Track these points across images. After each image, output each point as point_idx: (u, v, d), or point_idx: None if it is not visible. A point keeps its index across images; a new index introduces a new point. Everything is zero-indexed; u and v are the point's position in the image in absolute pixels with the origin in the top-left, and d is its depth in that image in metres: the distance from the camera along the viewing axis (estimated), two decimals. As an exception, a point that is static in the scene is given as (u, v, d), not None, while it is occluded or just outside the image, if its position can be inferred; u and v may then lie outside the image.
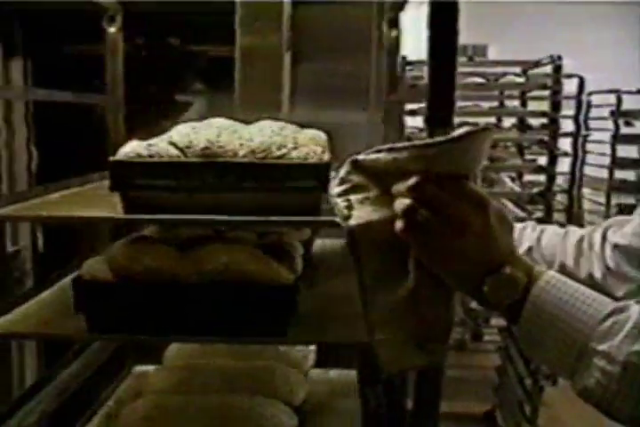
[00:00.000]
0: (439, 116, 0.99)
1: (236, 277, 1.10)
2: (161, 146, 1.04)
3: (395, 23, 1.76)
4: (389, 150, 0.84)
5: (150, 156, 1.02)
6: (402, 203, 0.82)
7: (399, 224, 0.82)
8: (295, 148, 1.06)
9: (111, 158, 1.03)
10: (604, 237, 1.20)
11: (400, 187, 0.83)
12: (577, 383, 0.80)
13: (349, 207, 0.86)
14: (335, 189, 0.88)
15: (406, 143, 0.85)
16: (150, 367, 1.70)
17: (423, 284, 0.86)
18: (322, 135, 1.13)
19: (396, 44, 1.78)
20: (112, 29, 1.79)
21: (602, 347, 0.77)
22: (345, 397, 1.58)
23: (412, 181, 0.82)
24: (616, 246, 1.17)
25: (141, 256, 1.11)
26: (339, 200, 0.87)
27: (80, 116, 2.63)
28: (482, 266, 0.82)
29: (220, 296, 1.10)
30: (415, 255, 0.85)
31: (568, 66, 3.24)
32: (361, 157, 0.87)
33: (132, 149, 1.04)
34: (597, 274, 1.18)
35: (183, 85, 2.87)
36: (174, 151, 1.03)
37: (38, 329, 1.18)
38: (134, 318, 1.10)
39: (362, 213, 0.85)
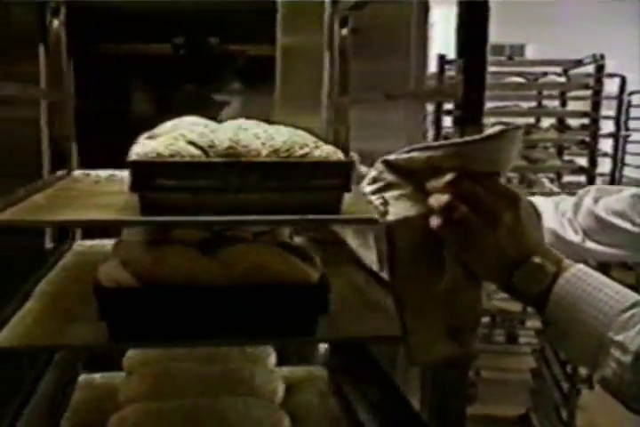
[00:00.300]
0: (469, 116, 0.98)
1: (267, 278, 1.08)
2: (180, 145, 1.01)
3: (346, 23, 1.70)
4: (424, 149, 0.86)
5: (172, 155, 0.99)
6: (439, 199, 0.84)
7: (436, 220, 0.84)
8: (316, 147, 1.05)
9: (132, 158, 0.99)
10: (576, 206, 1.29)
11: (435, 183, 0.85)
12: (597, 374, 0.81)
13: (385, 204, 0.87)
14: (367, 188, 0.89)
15: (442, 142, 0.87)
16: (96, 375, 1.62)
17: (457, 276, 0.89)
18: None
19: (347, 44, 1.72)
20: (55, 22, 1.61)
21: (618, 337, 0.78)
22: (314, 393, 1.58)
23: (450, 176, 0.84)
24: (598, 219, 1.25)
25: (168, 259, 1.07)
26: (373, 198, 0.89)
27: (117, 113, 2.67)
28: (512, 258, 0.85)
29: (250, 298, 1.07)
30: (450, 249, 0.87)
31: (608, 65, 3.20)
32: (392, 157, 0.88)
33: (152, 148, 1.00)
34: (576, 239, 1.27)
35: (220, 85, 2.88)
36: (195, 151, 1.01)
37: (57, 340, 1.11)
38: (162, 324, 1.06)
39: (397, 209, 0.87)
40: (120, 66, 2.66)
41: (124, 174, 1.45)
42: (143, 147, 1.03)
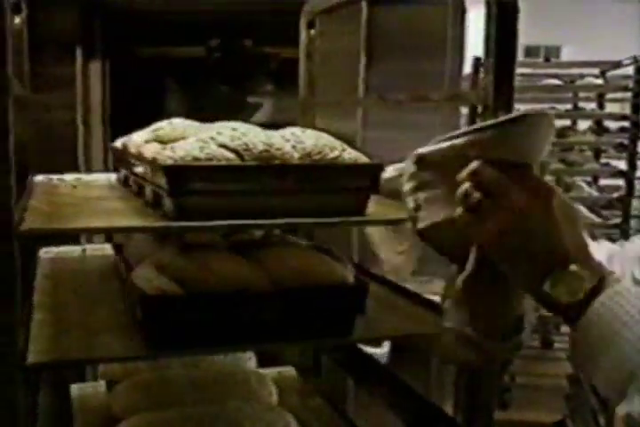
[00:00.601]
0: (497, 116, 0.97)
1: (309, 281, 1.08)
2: (213, 148, 1.00)
3: (313, 25, 1.64)
4: (447, 139, 0.85)
5: (208, 159, 0.99)
6: (461, 189, 0.79)
7: (459, 211, 0.80)
8: (344, 149, 1.07)
9: (169, 163, 0.98)
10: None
11: (462, 174, 0.81)
12: (622, 407, 0.71)
13: (417, 208, 0.87)
14: (405, 185, 0.89)
15: (464, 129, 0.85)
16: (83, 385, 1.59)
17: (478, 277, 0.86)
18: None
19: (314, 45, 1.65)
20: (17, 20, 1.50)
21: None
22: (298, 394, 1.58)
23: (472, 166, 0.79)
24: None
25: (213, 265, 1.06)
26: (408, 199, 0.89)
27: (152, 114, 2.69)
28: (544, 261, 0.76)
29: (295, 301, 1.07)
30: (475, 246, 0.84)
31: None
32: (421, 150, 0.87)
33: (186, 152, 0.99)
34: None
35: (254, 87, 2.90)
36: (229, 154, 1.01)
37: (92, 353, 1.05)
38: (206, 331, 1.04)
39: (428, 214, 0.87)
40: (155, 68, 2.69)
41: (92, 178, 1.49)
42: (172, 151, 1.01)
